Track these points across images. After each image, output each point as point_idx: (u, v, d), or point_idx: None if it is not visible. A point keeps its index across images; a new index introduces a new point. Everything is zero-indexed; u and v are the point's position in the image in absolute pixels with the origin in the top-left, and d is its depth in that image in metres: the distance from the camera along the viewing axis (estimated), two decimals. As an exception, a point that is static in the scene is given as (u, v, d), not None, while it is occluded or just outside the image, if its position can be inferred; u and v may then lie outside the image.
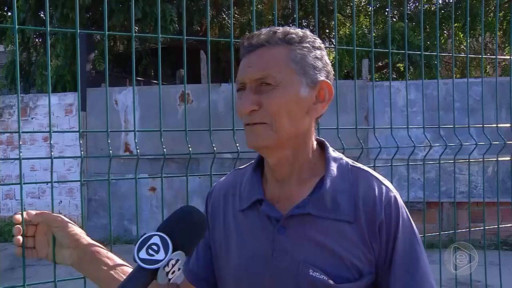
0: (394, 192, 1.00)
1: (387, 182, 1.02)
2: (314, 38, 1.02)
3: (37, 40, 9.77)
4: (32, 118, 7.49)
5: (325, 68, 1.01)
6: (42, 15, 8.94)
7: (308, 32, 1.02)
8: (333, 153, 1.05)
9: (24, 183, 1.20)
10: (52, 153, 1.21)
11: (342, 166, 1.02)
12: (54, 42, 8.73)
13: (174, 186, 6.80)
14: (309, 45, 0.99)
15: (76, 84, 8.29)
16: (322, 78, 0.99)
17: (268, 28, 1.00)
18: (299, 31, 1.01)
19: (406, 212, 1.00)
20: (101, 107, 6.94)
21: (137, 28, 8.88)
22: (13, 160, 7.15)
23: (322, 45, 1.03)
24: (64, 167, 7.17)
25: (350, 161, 1.05)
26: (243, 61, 0.99)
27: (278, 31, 0.99)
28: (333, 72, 1.04)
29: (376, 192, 0.98)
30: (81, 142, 1.24)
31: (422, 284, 0.96)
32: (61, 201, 7.23)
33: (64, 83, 8.50)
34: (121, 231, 7.07)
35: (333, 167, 1.01)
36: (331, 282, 0.93)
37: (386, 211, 0.97)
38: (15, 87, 9.71)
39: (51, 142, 1.20)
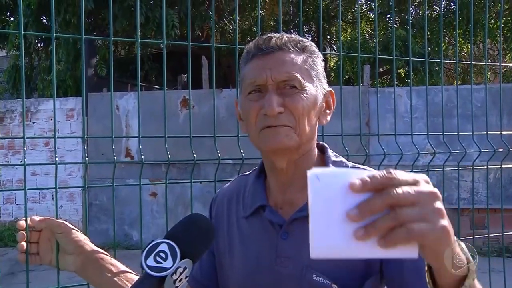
0: None
1: None
2: (318, 49, 1.04)
3: (39, 45, 9.80)
4: (33, 123, 7.49)
5: (326, 78, 1.04)
6: (44, 21, 8.97)
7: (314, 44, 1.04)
8: (333, 156, 1.05)
9: (28, 189, 1.19)
10: (57, 159, 1.20)
11: (342, 167, 1.02)
12: (56, 47, 8.75)
13: (175, 191, 6.79)
14: (318, 55, 1.02)
15: (77, 89, 8.33)
16: (328, 88, 1.03)
17: (279, 34, 1.01)
18: (308, 41, 1.03)
19: None
20: (102, 112, 6.95)
21: (139, 34, 8.85)
22: (16, 166, 7.15)
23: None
24: (65, 172, 7.17)
25: (351, 164, 1.05)
26: (256, 63, 0.97)
27: (292, 37, 1.00)
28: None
29: None
30: (85, 148, 1.23)
31: None
32: (61, 206, 7.21)
33: (65, 88, 8.52)
34: (121, 236, 7.05)
35: (332, 168, 1.01)
36: (334, 286, 0.92)
37: None
38: (17, 91, 9.72)
39: (56, 147, 1.19)
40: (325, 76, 1.03)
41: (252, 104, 0.96)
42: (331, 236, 0.58)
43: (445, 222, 0.60)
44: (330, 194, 0.58)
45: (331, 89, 1.04)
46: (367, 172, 0.60)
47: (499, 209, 5.28)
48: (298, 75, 0.95)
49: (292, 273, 0.95)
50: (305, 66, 0.97)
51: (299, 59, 0.97)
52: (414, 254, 0.59)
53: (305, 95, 0.95)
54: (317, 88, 0.99)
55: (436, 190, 0.61)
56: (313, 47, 1.02)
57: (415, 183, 0.60)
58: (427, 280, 0.71)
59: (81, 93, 7.85)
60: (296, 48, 0.98)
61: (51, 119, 7.44)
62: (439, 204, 0.60)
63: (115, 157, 1.25)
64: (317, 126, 1.02)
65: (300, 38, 1.01)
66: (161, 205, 7.12)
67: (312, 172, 0.59)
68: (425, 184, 0.61)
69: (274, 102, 0.93)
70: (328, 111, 1.03)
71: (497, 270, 2.15)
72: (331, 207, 0.58)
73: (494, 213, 4.84)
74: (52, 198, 7.39)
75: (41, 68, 9.28)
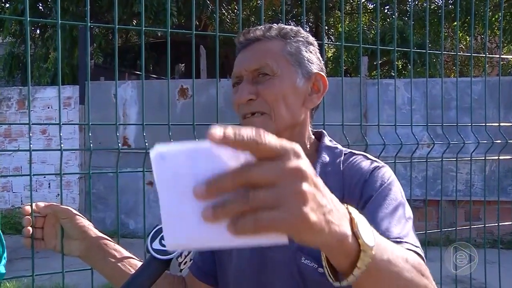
0: (385, 166, 0.99)
1: (379, 161, 1.01)
2: (307, 34, 1.05)
3: (35, 32, 9.73)
4: (30, 111, 7.48)
5: (318, 63, 1.04)
6: (40, 8, 8.91)
7: (301, 29, 1.05)
8: (328, 142, 1.06)
9: (33, 174, 1.20)
10: (62, 145, 1.21)
11: (335, 153, 1.03)
12: (52, 34, 8.71)
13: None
14: (303, 39, 1.02)
15: (74, 77, 8.27)
16: (316, 70, 1.02)
17: (262, 26, 1.03)
18: (293, 27, 1.04)
19: (397, 183, 0.97)
20: (99, 100, 6.93)
21: (135, 22, 8.83)
22: (13, 153, 7.13)
23: (315, 42, 1.06)
24: (62, 160, 7.14)
25: (345, 150, 1.05)
26: (239, 56, 1.01)
27: (273, 26, 1.02)
28: (325, 69, 1.07)
29: (366, 165, 0.98)
30: (89, 134, 1.24)
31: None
32: (58, 194, 7.21)
33: (62, 76, 8.48)
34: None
35: (325, 154, 1.02)
36: (320, 270, 0.92)
37: (372, 175, 0.95)
38: (13, 79, 9.66)
39: (61, 134, 1.20)
40: (312, 60, 1.02)
41: (234, 96, 1.00)
42: (186, 224, 0.49)
43: (307, 209, 0.49)
44: (180, 174, 0.48)
45: (318, 71, 1.02)
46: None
47: (493, 201, 5.34)
48: (269, 62, 0.96)
49: (284, 257, 0.97)
50: (282, 53, 0.98)
51: (275, 46, 0.98)
52: (282, 239, 0.50)
53: (278, 81, 0.96)
54: (296, 72, 0.99)
55: (303, 167, 0.49)
56: (296, 33, 1.02)
57: (280, 156, 0.49)
58: (323, 259, 0.66)
59: (77, 81, 7.82)
60: (276, 36, 0.99)
61: (48, 107, 7.40)
62: (303, 186, 0.49)
63: (119, 144, 1.26)
64: (303, 110, 1.01)
65: (282, 26, 1.03)
66: (157, 194, 7.13)
67: (156, 151, 0.49)
68: (291, 158, 0.49)
69: (243, 91, 0.96)
70: (315, 95, 1.02)
71: (491, 261, 2.18)
72: (182, 190, 0.48)
73: (488, 205, 4.88)
74: (49, 186, 7.38)
75: (37, 56, 9.22)
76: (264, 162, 0.48)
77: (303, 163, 0.50)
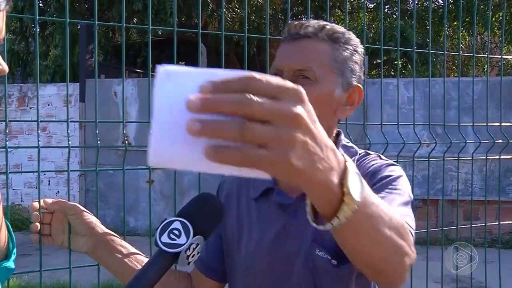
0: (398, 165, 1.01)
1: (393, 162, 1.02)
2: (357, 42, 1.02)
3: (34, 29, 9.73)
4: (30, 108, 7.45)
5: (360, 74, 1.02)
6: (40, 4, 8.90)
7: (353, 35, 1.02)
8: (344, 141, 1.07)
9: (41, 171, 1.21)
10: (70, 142, 1.23)
11: (351, 152, 1.04)
12: (52, 32, 8.71)
13: (171, 179, 6.80)
14: (352, 48, 1.00)
15: (75, 74, 8.27)
16: (356, 83, 1.01)
17: (315, 21, 1.00)
18: (346, 32, 1.01)
19: (407, 181, 0.98)
20: (99, 98, 6.93)
21: (135, 20, 8.82)
22: (13, 150, 7.12)
23: (362, 50, 1.04)
24: (62, 158, 7.15)
25: (361, 151, 1.07)
26: (284, 47, 0.99)
27: (327, 27, 0.99)
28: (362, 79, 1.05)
29: (378, 163, 1.00)
30: (97, 132, 1.26)
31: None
32: (58, 191, 7.22)
33: (62, 73, 8.47)
34: (118, 223, 7.07)
35: (342, 152, 1.03)
36: (334, 262, 0.94)
37: (382, 168, 0.97)
38: (13, 76, 9.65)
39: (68, 131, 1.21)
40: (355, 71, 1.00)
41: None
42: (172, 141, 0.49)
43: (292, 154, 0.49)
44: (179, 92, 0.48)
45: (357, 83, 1.01)
46: (231, 73, 0.48)
47: (492, 201, 5.35)
48: (314, 67, 0.94)
49: (298, 249, 0.98)
50: (328, 58, 0.96)
51: (323, 50, 0.96)
52: (264, 175, 0.50)
53: (318, 88, 0.95)
54: (337, 81, 0.98)
55: (300, 112, 0.49)
56: (348, 39, 1.00)
57: (278, 94, 0.48)
58: (307, 204, 0.67)
59: (78, 79, 7.82)
60: (327, 38, 0.97)
61: (48, 104, 7.41)
62: (295, 132, 0.48)
63: (126, 142, 1.27)
64: (333, 119, 1.01)
65: (336, 28, 1.00)
66: (157, 192, 7.15)
67: (163, 69, 0.49)
68: (291, 101, 0.49)
69: None
70: (349, 107, 1.01)
71: (489, 260, 2.19)
72: (177, 107, 0.48)
73: (487, 205, 4.89)
74: (49, 184, 7.38)
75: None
76: (266, 99, 0.47)
77: (302, 109, 0.49)
